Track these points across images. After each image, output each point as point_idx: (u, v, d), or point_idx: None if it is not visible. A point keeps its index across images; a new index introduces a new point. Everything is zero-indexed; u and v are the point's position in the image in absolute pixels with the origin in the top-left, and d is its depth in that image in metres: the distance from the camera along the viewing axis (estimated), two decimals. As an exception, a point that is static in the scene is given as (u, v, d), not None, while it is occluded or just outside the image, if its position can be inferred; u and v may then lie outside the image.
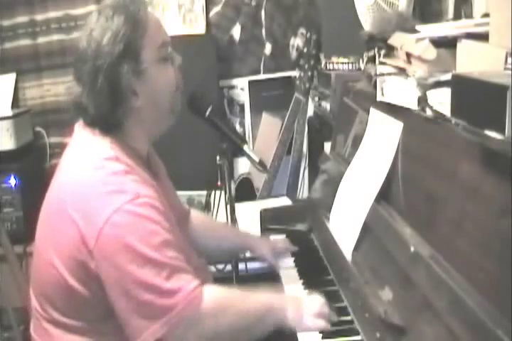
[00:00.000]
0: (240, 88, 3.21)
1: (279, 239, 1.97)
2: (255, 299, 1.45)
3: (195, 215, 1.84)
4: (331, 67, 2.62)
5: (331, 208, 1.78)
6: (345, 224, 1.65)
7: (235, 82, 3.21)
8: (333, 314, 1.47)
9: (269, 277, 1.81)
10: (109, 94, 1.36)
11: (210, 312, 1.35)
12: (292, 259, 1.86)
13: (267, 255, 1.83)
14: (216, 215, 2.90)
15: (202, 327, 1.34)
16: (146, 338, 1.29)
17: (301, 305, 1.47)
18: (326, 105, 2.66)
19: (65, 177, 1.41)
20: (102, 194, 1.31)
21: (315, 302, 1.49)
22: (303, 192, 3.09)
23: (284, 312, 1.44)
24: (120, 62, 1.36)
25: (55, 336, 1.41)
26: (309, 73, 2.90)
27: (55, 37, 3.18)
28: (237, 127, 3.23)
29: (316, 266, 1.78)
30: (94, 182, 1.34)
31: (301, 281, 1.70)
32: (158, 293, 1.29)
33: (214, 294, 1.37)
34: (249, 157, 1.88)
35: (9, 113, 2.99)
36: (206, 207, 3.03)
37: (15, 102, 3.18)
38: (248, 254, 1.93)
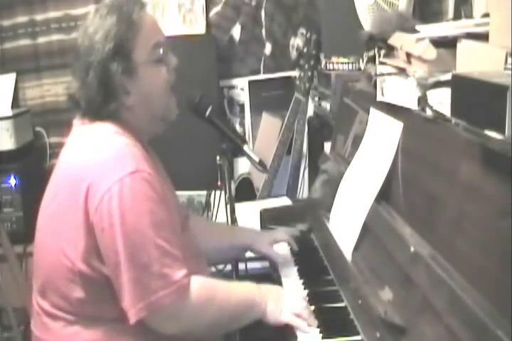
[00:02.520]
0: (240, 88, 3.21)
1: (279, 229, 1.97)
2: (238, 294, 1.49)
3: (194, 220, 1.84)
4: (331, 67, 2.62)
5: (331, 208, 1.78)
6: (345, 224, 1.65)
7: (235, 82, 3.21)
8: (312, 318, 1.47)
9: (269, 277, 1.81)
10: (100, 89, 1.40)
11: (194, 305, 1.38)
12: (292, 259, 1.86)
13: (266, 251, 1.81)
14: (216, 215, 2.89)
15: (183, 318, 1.38)
16: (131, 316, 1.32)
17: (282, 300, 1.50)
18: (326, 105, 2.65)
19: (68, 159, 1.45)
20: (103, 167, 1.35)
21: (297, 303, 1.50)
22: (303, 192, 3.09)
23: (264, 307, 1.48)
24: (111, 60, 1.39)
25: (55, 330, 1.42)
26: (309, 73, 2.90)
27: (55, 37, 3.18)
28: (237, 127, 3.23)
29: (316, 266, 1.78)
30: (96, 156, 1.38)
31: (301, 281, 1.70)
32: (146, 272, 1.32)
33: (199, 288, 1.40)
34: (249, 157, 1.88)
35: (9, 113, 2.99)
36: (206, 207, 3.02)
37: (15, 102, 3.18)
38: (249, 254, 1.92)
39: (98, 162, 1.37)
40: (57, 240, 1.38)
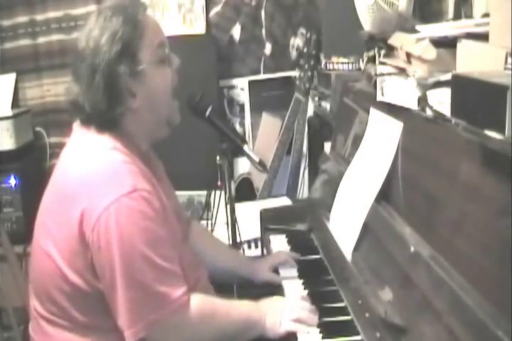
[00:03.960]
0: (240, 88, 3.22)
1: (279, 253, 1.90)
2: (238, 312, 1.48)
3: (196, 226, 1.84)
4: (331, 67, 2.62)
5: (331, 208, 1.78)
6: (345, 224, 1.65)
7: (235, 82, 3.21)
8: (314, 315, 1.47)
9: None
10: (106, 93, 1.37)
11: (195, 320, 1.38)
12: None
13: (266, 278, 1.78)
14: (216, 215, 2.89)
15: (184, 333, 1.37)
16: (129, 336, 1.31)
17: (279, 311, 1.49)
18: (326, 105, 2.66)
19: (65, 171, 1.42)
20: (100, 185, 1.33)
21: (294, 308, 1.50)
22: (303, 192, 3.09)
23: (263, 324, 1.48)
24: (117, 61, 1.37)
25: (52, 335, 1.42)
26: (309, 73, 2.90)
27: (55, 37, 3.19)
28: (237, 127, 3.23)
29: (316, 266, 1.78)
30: (93, 173, 1.35)
31: (301, 281, 1.70)
32: (144, 292, 1.30)
33: (199, 305, 1.39)
34: (249, 157, 1.88)
35: (9, 113, 2.99)
36: (206, 207, 3.02)
37: (15, 102, 3.18)
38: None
39: (94, 180, 1.34)
40: (52, 251, 1.36)
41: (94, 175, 1.35)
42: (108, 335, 1.38)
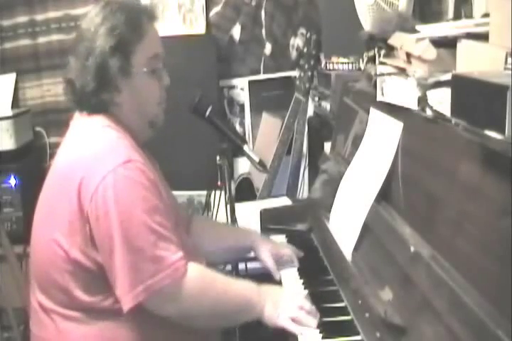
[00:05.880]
0: (240, 88, 3.21)
1: (284, 244, 1.91)
2: (237, 288, 1.49)
3: (197, 219, 1.85)
4: (331, 67, 2.62)
5: (331, 208, 1.78)
6: (345, 224, 1.65)
7: (235, 82, 3.21)
8: (312, 317, 1.46)
9: (269, 277, 1.81)
10: (96, 77, 1.43)
11: (193, 286, 1.39)
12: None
13: (266, 259, 1.77)
14: (216, 215, 2.89)
15: (182, 300, 1.38)
16: (127, 301, 1.33)
17: (280, 303, 1.49)
18: (326, 105, 2.66)
19: (63, 153, 1.50)
20: (95, 158, 1.38)
21: (294, 305, 1.48)
22: (303, 192, 3.09)
23: (261, 310, 1.48)
24: (110, 54, 1.43)
25: (50, 326, 1.44)
26: (309, 73, 2.90)
27: (55, 37, 3.18)
28: (237, 127, 3.23)
29: (316, 266, 1.78)
30: (88, 148, 1.42)
31: (301, 281, 1.70)
32: (142, 256, 1.33)
33: (198, 270, 1.41)
34: (249, 157, 1.88)
35: (9, 113, 2.99)
36: (206, 207, 3.02)
37: (15, 102, 3.18)
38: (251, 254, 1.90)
39: (90, 154, 1.40)
40: (52, 232, 1.40)
41: (89, 149, 1.41)
42: (108, 320, 1.39)
